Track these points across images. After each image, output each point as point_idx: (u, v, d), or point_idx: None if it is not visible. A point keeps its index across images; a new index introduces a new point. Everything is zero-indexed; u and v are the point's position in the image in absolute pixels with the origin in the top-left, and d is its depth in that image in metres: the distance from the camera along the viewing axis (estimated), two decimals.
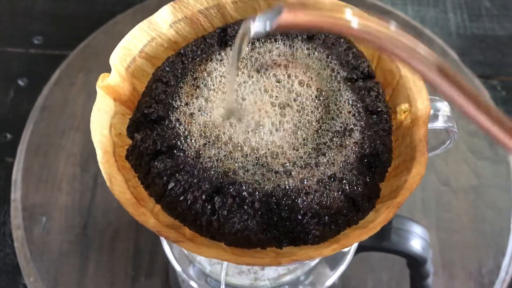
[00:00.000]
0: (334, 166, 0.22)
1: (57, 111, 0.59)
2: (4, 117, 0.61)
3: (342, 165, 0.22)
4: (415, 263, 0.35)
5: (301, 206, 0.21)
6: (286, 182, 0.21)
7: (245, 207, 0.21)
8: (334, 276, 0.33)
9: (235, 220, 0.20)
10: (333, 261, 0.34)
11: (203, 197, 0.21)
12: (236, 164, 0.22)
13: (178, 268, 0.32)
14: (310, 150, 0.23)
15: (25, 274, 0.49)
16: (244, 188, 0.21)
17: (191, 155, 0.22)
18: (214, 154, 0.22)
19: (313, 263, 0.33)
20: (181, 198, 0.21)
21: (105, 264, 0.50)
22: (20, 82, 0.64)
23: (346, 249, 0.34)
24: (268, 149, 0.23)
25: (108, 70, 0.67)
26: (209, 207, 0.21)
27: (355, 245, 0.34)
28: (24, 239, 0.51)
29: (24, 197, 0.53)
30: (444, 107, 0.25)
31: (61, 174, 0.55)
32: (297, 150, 0.23)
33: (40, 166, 0.55)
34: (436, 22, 0.69)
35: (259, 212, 0.21)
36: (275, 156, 0.23)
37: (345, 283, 0.49)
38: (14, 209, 0.53)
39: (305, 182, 0.21)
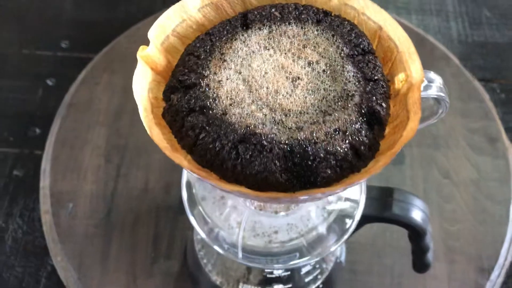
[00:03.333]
0: (338, 122, 0.26)
1: (83, 107, 0.63)
2: (33, 114, 0.65)
3: (345, 121, 0.26)
4: (416, 235, 0.38)
5: (310, 153, 0.24)
6: (298, 135, 0.25)
7: (264, 152, 0.24)
8: (338, 243, 0.36)
9: (255, 163, 0.24)
10: (337, 232, 0.37)
11: (229, 145, 0.25)
12: (257, 121, 0.26)
13: (202, 234, 0.36)
14: (318, 112, 0.27)
15: (52, 254, 0.53)
16: (263, 138, 0.25)
17: (219, 112, 0.26)
18: (238, 113, 0.26)
19: (321, 231, 0.36)
20: (210, 146, 0.25)
21: (126, 246, 0.53)
22: (48, 82, 0.68)
23: (349, 222, 0.37)
24: (283, 111, 0.27)
25: (131, 71, 0.71)
26: (234, 153, 0.25)
27: (358, 215, 0.37)
28: (52, 223, 0.54)
29: (52, 184, 0.57)
30: (437, 78, 0.29)
31: (87, 164, 0.59)
32: (307, 112, 0.27)
33: (67, 157, 0.59)
34: (438, 30, 0.73)
35: (277, 157, 0.24)
36: (288, 116, 0.26)
37: (353, 267, 0.52)
38: (43, 195, 0.56)
39: (314, 135, 0.25)
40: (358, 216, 0.36)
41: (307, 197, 0.24)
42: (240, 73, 0.28)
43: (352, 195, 0.38)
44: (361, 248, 0.53)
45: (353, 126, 0.26)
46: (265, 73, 0.28)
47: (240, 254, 0.35)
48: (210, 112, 0.26)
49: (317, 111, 0.27)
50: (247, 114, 0.26)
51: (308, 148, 0.24)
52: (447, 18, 0.75)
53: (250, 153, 0.24)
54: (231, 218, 0.36)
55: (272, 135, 0.25)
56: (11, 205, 0.58)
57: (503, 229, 0.54)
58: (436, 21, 0.74)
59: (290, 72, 0.28)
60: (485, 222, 0.55)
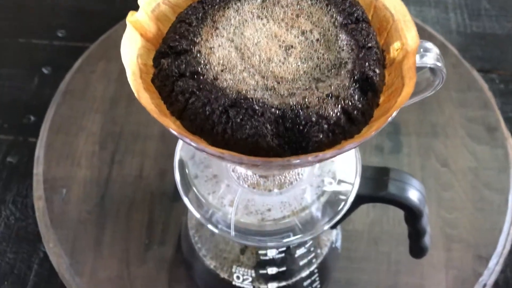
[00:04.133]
0: (331, 87, 0.25)
1: (78, 95, 0.63)
2: (28, 102, 0.65)
3: (338, 86, 0.25)
4: (412, 216, 0.38)
5: (302, 117, 0.24)
6: (290, 100, 0.25)
7: (256, 116, 0.24)
8: (331, 222, 0.35)
9: (246, 126, 0.24)
10: (330, 212, 0.36)
11: (220, 109, 0.24)
12: (248, 87, 0.25)
13: (196, 214, 0.35)
14: (310, 79, 0.26)
15: (45, 240, 0.52)
16: (255, 102, 0.24)
17: (210, 78, 0.25)
18: (230, 78, 0.26)
19: (314, 210, 0.35)
20: (200, 111, 0.24)
21: (120, 232, 0.52)
22: (44, 70, 0.68)
23: (342, 202, 0.36)
24: (275, 78, 0.26)
25: None
26: (224, 117, 0.24)
27: (352, 196, 0.36)
28: (45, 209, 0.54)
29: (46, 170, 0.56)
30: (434, 48, 0.28)
31: (81, 151, 0.58)
32: (300, 80, 0.26)
33: (61, 143, 0.58)
34: (437, 21, 0.73)
35: (268, 121, 0.24)
36: (281, 83, 0.26)
37: (349, 254, 0.51)
38: (36, 181, 0.56)
39: (306, 100, 0.24)
40: (352, 196, 0.36)
41: (298, 161, 0.23)
42: (232, 41, 0.28)
43: (347, 178, 0.38)
44: (357, 235, 0.53)
45: (346, 91, 0.25)
46: (258, 41, 0.28)
47: (232, 232, 0.34)
48: (201, 77, 0.25)
49: (310, 79, 0.26)
50: (238, 80, 0.26)
51: (300, 112, 0.24)
52: (446, 10, 0.74)
53: (241, 117, 0.24)
54: (224, 197, 0.35)
55: (263, 100, 0.24)
56: (4, 191, 0.57)
57: (502, 218, 0.54)
58: (435, 12, 0.74)
59: (283, 41, 0.28)
60: (483, 210, 0.54)
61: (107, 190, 0.55)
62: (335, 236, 0.47)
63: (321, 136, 0.24)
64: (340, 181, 0.38)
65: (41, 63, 0.68)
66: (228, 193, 0.36)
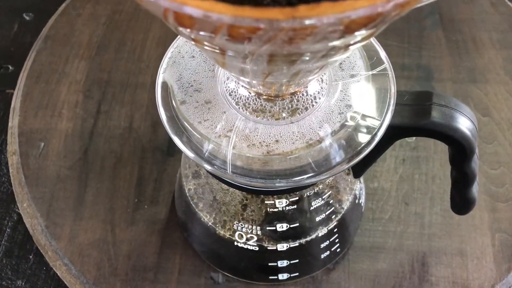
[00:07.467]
0: None
1: (62, 40, 0.55)
2: (6, 50, 0.58)
3: None
4: (461, 153, 0.29)
5: None
6: None
7: None
8: (352, 161, 0.27)
9: None
10: (351, 148, 0.28)
11: None
12: None
13: (188, 152, 0.27)
14: None
15: (18, 200, 0.45)
16: None
17: None
18: None
19: (333, 144, 0.27)
20: None
21: (105, 191, 0.45)
22: (25, 16, 0.60)
23: (367, 137, 0.28)
24: None
25: (118, 2, 0.62)
26: None
27: (382, 130, 0.28)
28: (20, 164, 0.46)
29: (22, 123, 0.49)
30: None
31: (63, 100, 0.51)
32: None
33: (41, 92, 0.51)
34: None
35: None
36: None
37: (375, 216, 0.43)
38: (10, 135, 0.49)
39: None
40: (381, 130, 0.27)
41: (317, 21, 0.15)
42: None
43: (375, 112, 0.29)
44: (383, 194, 0.45)
45: None
46: None
47: (229, 169, 0.27)
48: None
49: None
50: None
51: None
52: None
53: None
54: (219, 126, 0.28)
55: None
56: None
57: None
58: None
59: None
60: None
61: (91, 143, 0.48)
62: (359, 190, 0.38)
63: None
64: (364, 116, 0.29)
65: (22, 9, 0.61)
66: (224, 122, 0.28)
